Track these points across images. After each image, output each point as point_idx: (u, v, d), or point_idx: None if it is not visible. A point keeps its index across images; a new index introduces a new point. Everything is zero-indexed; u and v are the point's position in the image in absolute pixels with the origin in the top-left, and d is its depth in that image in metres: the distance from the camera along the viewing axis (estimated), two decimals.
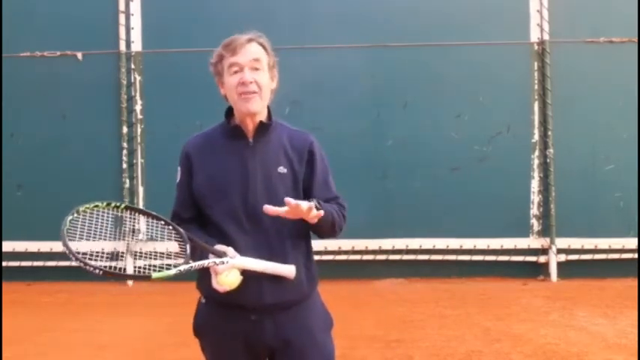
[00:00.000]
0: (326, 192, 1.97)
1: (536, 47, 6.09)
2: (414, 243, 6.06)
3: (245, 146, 1.92)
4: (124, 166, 6.18)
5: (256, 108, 1.89)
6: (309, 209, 1.74)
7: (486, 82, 6.10)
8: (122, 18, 6.16)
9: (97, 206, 1.82)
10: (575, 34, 6.05)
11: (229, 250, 1.80)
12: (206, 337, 1.97)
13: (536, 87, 6.09)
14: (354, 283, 5.92)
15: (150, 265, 1.77)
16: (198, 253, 1.84)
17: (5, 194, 6.18)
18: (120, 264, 1.79)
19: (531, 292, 5.56)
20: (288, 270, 1.86)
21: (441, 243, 6.06)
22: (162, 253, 1.86)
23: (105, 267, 1.68)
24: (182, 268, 1.73)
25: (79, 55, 6.18)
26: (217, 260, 1.76)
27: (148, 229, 1.91)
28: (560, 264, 6.01)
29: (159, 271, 1.72)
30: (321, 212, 1.80)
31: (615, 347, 4.00)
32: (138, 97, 6.19)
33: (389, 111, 6.15)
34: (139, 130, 6.21)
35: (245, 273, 1.80)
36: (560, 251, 6.02)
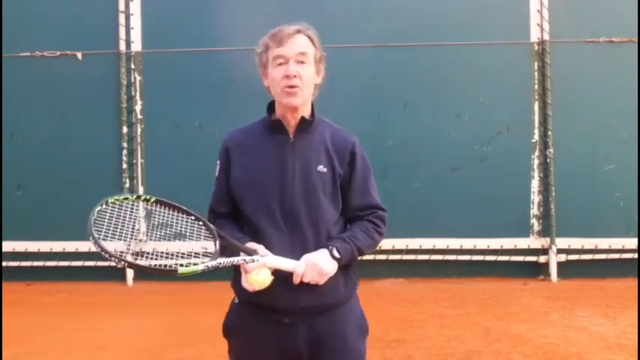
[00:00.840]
0: (364, 198, 1.91)
1: (536, 47, 6.09)
2: (414, 243, 6.06)
3: (285, 142, 1.86)
4: (124, 166, 6.18)
5: (298, 102, 1.83)
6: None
7: (486, 82, 6.09)
8: (122, 18, 6.16)
9: (126, 199, 1.79)
10: (576, 34, 6.04)
11: (260, 248, 1.76)
12: (236, 338, 1.92)
13: (536, 87, 6.09)
14: None
15: (179, 260, 1.71)
16: (229, 251, 1.78)
17: (5, 194, 6.18)
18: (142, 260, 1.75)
19: (531, 292, 5.56)
20: None
21: (441, 243, 6.06)
22: (190, 250, 1.83)
23: (128, 259, 1.65)
24: (210, 264, 1.68)
25: (79, 55, 6.18)
26: (247, 258, 1.71)
27: (177, 224, 1.84)
28: (560, 264, 6.01)
29: (186, 266, 1.66)
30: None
31: (615, 347, 4.00)
32: (138, 97, 6.19)
33: (389, 111, 6.14)
34: (139, 130, 6.21)
35: (279, 274, 1.74)
36: (560, 251, 6.01)
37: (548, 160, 6.05)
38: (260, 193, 1.83)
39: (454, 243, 6.06)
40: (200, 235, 1.81)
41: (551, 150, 6.04)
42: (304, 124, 1.87)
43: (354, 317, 1.95)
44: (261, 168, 1.84)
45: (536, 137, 6.10)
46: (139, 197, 1.80)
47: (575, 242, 6.02)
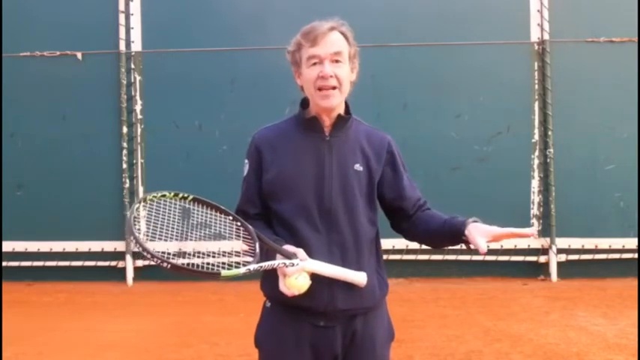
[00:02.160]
0: (415, 192, 1.96)
1: (536, 47, 6.09)
2: (414, 243, 6.04)
3: (321, 140, 1.81)
4: (124, 166, 6.18)
5: (334, 103, 1.78)
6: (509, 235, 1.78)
7: (486, 82, 6.09)
8: (122, 18, 6.16)
9: (164, 196, 1.72)
10: (576, 34, 6.04)
11: (299, 251, 1.70)
12: (268, 344, 1.85)
13: (536, 87, 6.09)
14: None
15: (220, 262, 1.65)
16: (264, 253, 1.72)
17: (5, 194, 6.18)
18: (190, 260, 1.65)
19: (531, 292, 5.56)
20: (361, 278, 1.76)
21: None
22: (230, 252, 1.79)
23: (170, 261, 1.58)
24: (252, 267, 1.63)
25: (79, 55, 6.18)
26: (287, 262, 1.66)
27: (216, 224, 1.78)
28: (560, 264, 6.01)
29: (228, 269, 1.61)
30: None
31: (615, 347, 4.00)
32: (138, 97, 6.19)
33: (389, 111, 6.14)
34: (138, 130, 6.21)
35: (315, 276, 1.71)
36: (560, 251, 6.01)
37: (548, 160, 6.05)
38: (297, 193, 1.78)
39: None
40: (239, 236, 1.75)
41: (551, 150, 6.03)
42: (340, 122, 1.82)
43: (385, 322, 1.90)
44: (298, 167, 1.79)
45: (536, 137, 6.10)
46: (176, 195, 1.74)
47: (575, 242, 6.02)
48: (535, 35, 6.09)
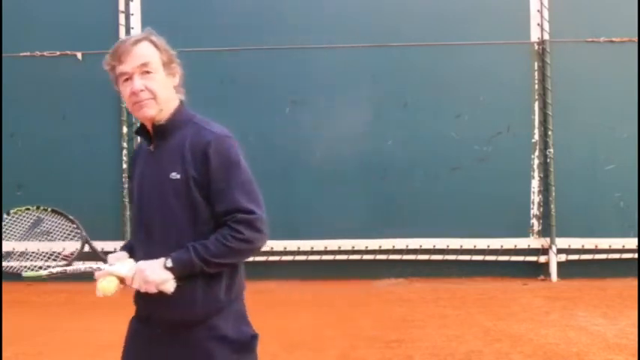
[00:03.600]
0: (224, 202, 1.71)
1: (536, 47, 6.09)
2: (414, 243, 6.05)
3: (149, 153, 1.85)
4: (124, 166, 6.18)
5: (152, 112, 1.77)
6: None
7: (486, 82, 6.10)
8: (122, 18, 6.16)
9: (28, 209, 1.92)
10: (576, 34, 6.05)
11: (110, 257, 1.83)
12: (126, 341, 1.98)
13: (536, 87, 6.09)
14: (353, 283, 5.92)
15: (37, 266, 1.85)
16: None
17: (5, 194, 6.17)
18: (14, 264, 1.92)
19: (531, 292, 5.56)
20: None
21: (441, 243, 6.05)
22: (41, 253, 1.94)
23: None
24: (55, 270, 1.78)
25: (79, 55, 6.18)
26: (94, 266, 1.78)
27: (57, 230, 1.99)
28: (560, 264, 6.01)
29: (34, 270, 1.78)
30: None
31: (615, 347, 3.99)
32: None
33: (389, 111, 6.14)
34: None
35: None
36: (560, 251, 6.01)
37: (548, 160, 6.05)
38: (133, 205, 1.91)
39: (454, 243, 6.06)
40: (68, 236, 1.96)
41: (551, 150, 6.03)
42: (160, 131, 1.80)
43: (223, 333, 1.77)
44: (133, 181, 1.91)
45: (536, 137, 6.10)
46: (38, 207, 1.95)
47: (575, 242, 6.02)
48: (535, 35, 6.09)
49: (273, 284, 5.76)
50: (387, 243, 6.06)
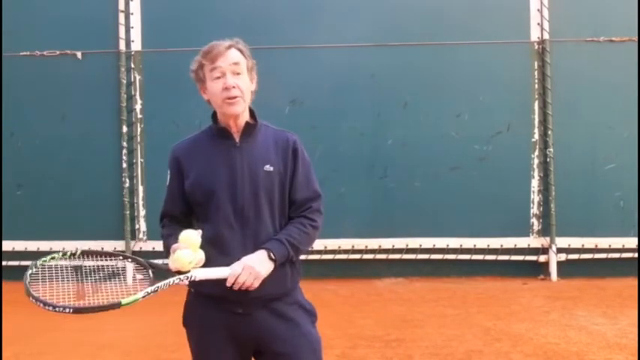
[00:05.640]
0: (306, 191, 2.02)
1: (536, 46, 6.09)
2: (414, 242, 6.06)
3: (232, 146, 1.98)
4: (124, 165, 6.18)
5: (240, 110, 1.96)
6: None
7: (486, 82, 6.10)
8: (122, 17, 6.16)
9: (53, 258, 1.95)
10: (576, 33, 6.05)
11: (177, 243, 1.89)
12: (192, 327, 2.07)
13: (536, 86, 6.09)
14: (354, 283, 5.92)
15: (120, 294, 1.91)
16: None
17: (5, 194, 6.18)
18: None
19: (531, 292, 5.56)
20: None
21: (441, 242, 6.06)
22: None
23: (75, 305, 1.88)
24: (149, 289, 1.83)
25: (79, 55, 6.18)
26: (182, 277, 1.85)
27: (108, 266, 2.01)
28: (560, 263, 6.01)
29: (127, 297, 1.85)
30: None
31: (615, 347, 4.00)
32: (137, 97, 6.19)
33: (389, 111, 6.15)
34: (138, 130, 6.21)
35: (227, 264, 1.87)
36: (560, 251, 6.02)
37: (548, 160, 6.05)
38: (213, 194, 1.95)
39: (454, 242, 6.06)
40: (133, 268, 1.98)
41: (551, 149, 6.04)
42: (248, 129, 1.99)
43: (302, 304, 2.05)
44: (213, 173, 1.97)
45: (536, 136, 6.11)
46: (64, 254, 1.97)
47: (575, 242, 6.02)
48: (535, 35, 6.09)
49: None
50: (386, 242, 6.07)
